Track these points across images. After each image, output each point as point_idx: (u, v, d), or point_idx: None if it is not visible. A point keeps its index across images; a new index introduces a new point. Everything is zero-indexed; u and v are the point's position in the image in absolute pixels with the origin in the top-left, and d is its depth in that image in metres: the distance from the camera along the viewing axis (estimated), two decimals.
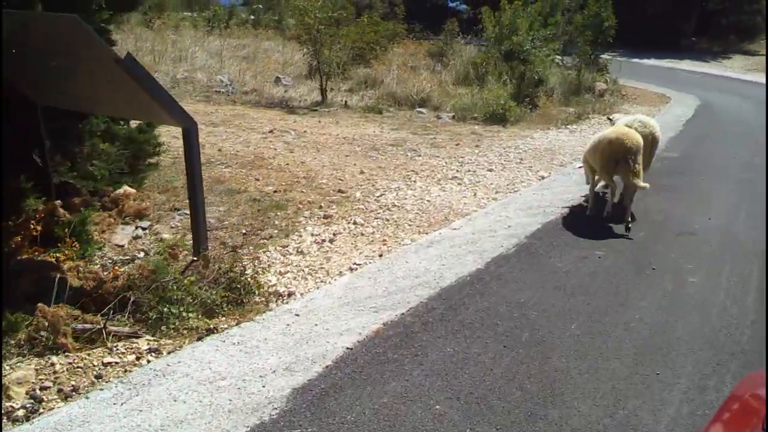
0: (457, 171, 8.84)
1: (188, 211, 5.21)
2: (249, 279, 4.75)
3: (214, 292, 4.49)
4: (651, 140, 7.15)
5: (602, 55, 20.97)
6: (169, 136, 8.61)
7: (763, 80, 23.88)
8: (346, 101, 13.81)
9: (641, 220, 6.97)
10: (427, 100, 14.12)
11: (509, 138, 11.42)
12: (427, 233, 6.26)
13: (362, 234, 6.21)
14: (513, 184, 8.34)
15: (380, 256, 5.61)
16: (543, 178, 8.75)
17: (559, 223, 6.72)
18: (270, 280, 5.01)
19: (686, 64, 27.70)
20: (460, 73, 16.80)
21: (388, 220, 6.65)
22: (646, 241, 6.28)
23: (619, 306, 4.71)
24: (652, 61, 28.33)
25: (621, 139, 6.45)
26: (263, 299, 4.69)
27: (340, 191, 7.67)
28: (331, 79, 16.04)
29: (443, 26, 20.18)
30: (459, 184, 8.22)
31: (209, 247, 5.14)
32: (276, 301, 4.68)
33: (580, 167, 8.32)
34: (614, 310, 4.65)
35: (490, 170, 9.01)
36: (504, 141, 11.11)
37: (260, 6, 35.34)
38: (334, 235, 6.13)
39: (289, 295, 4.77)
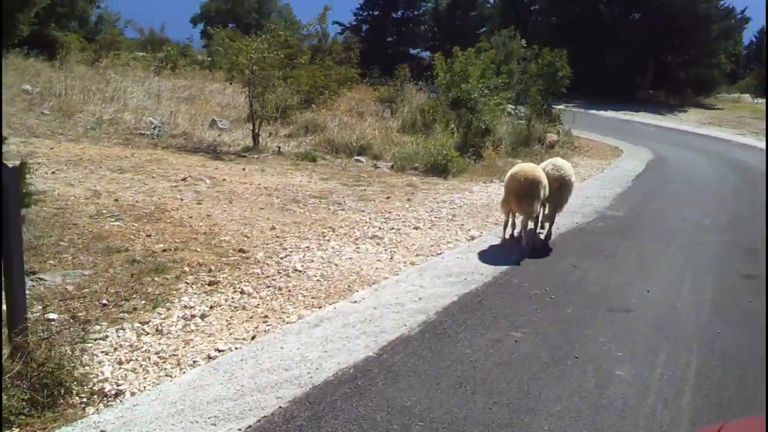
0: (380, 228, 8.01)
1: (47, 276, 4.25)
2: (67, 373, 3.78)
3: (14, 393, 3.52)
4: (561, 183, 7.53)
5: (556, 106, 20.64)
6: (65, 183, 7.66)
7: (718, 134, 23.83)
8: (279, 147, 13.00)
9: (574, 291, 6.18)
10: (367, 148, 13.38)
11: (446, 191, 10.67)
12: (320, 307, 5.36)
13: (244, 307, 5.28)
14: (438, 245, 7.52)
15: (253, 338, 4.69)
16: (473, 238, 7.96)
17: (478, 295, 5.88)
18: (102, 372, 4.04)
19: (642, 117, 27.62)
20: (407, 121, 16.16)
21: (281, 289, 5.74)
22: (573, 319, 5.46)
23: (526, 413, 3.84)
24: (609, 113, 28.23)
25: (519, 175, 7.10)
26: (83, 400, 3.73)
27: (241, 251, 6.77)
28: (270, 123, 15.28)
29: (394, 72, 19.63)
30: (378, 244, 7.38)
31: (33, 328, 4.16)
32: (98, 402, 3.72)
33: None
34: (519, 418, 3.78)
35: (417, 228, 8.20)
36: (440, 194, 10.34)
37: (219, 47, 34.75)
38: (210, 308, 5.20)
39: (117, 395, 3.80)
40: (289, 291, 5.70)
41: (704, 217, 10.06)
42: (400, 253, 7.07)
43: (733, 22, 32.12)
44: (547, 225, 7.90)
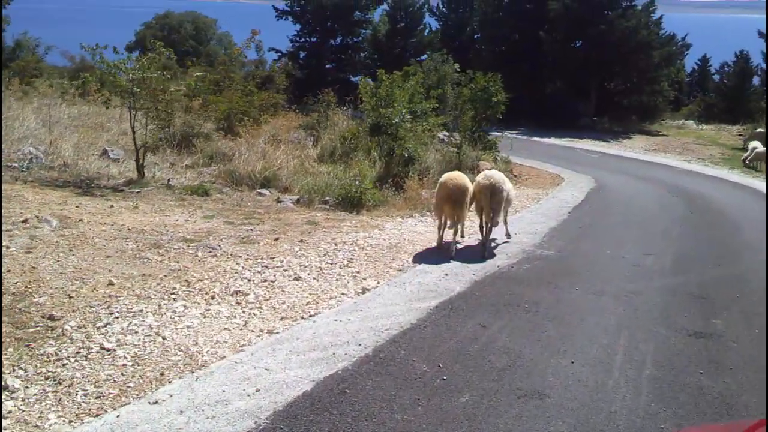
0: (249, 280, 6.42)
1: None
2: None
3: None
4: (491, 190, 8.17)
5: (496, 133, 19.49)
6: None
7: (663, 161, 22.99)
8: (169, 180, 11.32)
9: (475, 367, 4.70)
10: (273, 179, 11.81)
11: (353, 229, 9.15)
12: (99, 414, 3.74)
13: None
14: (317, 303, 5.97)
15: None
16: (365, 290, 6.43)
17: (344, 380, 4.35)
18: None
19: (587, 143, 26.73)
20: (326, 149, 14.67)
21: (60, 382, 4.11)
22: (465, 414, 3.96)
23: None
24: (552, 140, 27.28)
25: (448, 183, 7.95)
26: None
27: (50, 317, 5.13)
28: (166, 152, 13.64)
29: (318, 97, 18.18)
30: (237, 303, 5.79)
31: None
32: None
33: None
34: None
35: (298, 279, 6.64)
36: (343, 233, 8.81)
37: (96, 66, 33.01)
38: None
39: None
40: (70, 385, 4.07)
41: (646, 256, 8.75)
42: (260, 317, 5.49)
43: (675, 48, 31.68)
44: (492, 228, 8.50)
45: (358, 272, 7.05)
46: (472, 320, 5.72)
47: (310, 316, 5.57)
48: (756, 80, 38.98)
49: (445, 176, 8.26)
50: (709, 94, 40.13)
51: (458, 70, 21.14)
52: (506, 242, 9.02)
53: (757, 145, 21.69)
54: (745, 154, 21.87)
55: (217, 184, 11.69)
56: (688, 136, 29.41)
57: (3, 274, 5.99)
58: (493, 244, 8.74)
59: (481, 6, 34.69)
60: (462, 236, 8.67)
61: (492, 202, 8.16)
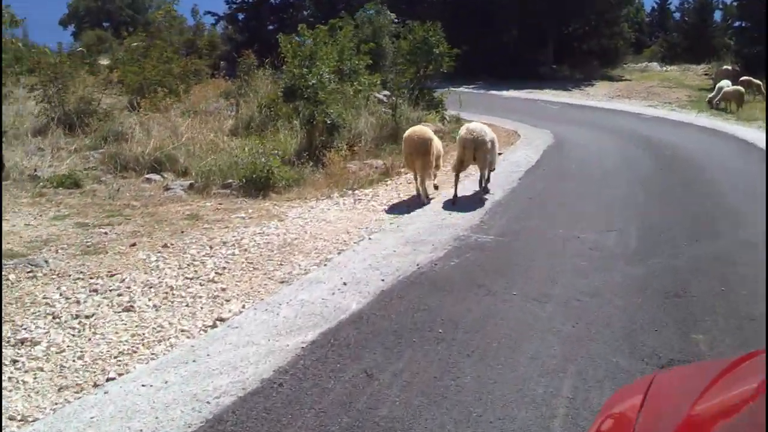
0: (56, 318, 4.61)
1: None
2: None
3: None
4: (475, 145, 8.21)
5: (454, 88, 17.68)
6: None
7: (627, 108, 21.38)
8: (36, 170, 9.35)
9: None
10: (168, 161, 9.90)
11: (244, 222, 7.33)
12: None
13: None
14: (134, 352, 4.18)
15: None
16: (218, 322, 4.65)
17: None
18: None
19: (547, 94, 25.02)
20: (241, 119, 12.72)
21: None
22: None
23: None
24: (511, 93, 25.53)
25: (411, 135, 8.37)
26: None
27: None
28: (56, 134, 11.65)
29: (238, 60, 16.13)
30: (12, 362, 3.98)
31: None
32: None
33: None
34: None
35: (129, 309, 4.83)
36: (229, 230, 6.99)
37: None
38: None
39: None
40: None
41: (606, 234, 7.08)
42: (27, 389, 3.69)
43: None
44: (484, 183, 8.88)
45: (223, 290, 5.27)
46: (356, 365, 3.99)
47: (108, 380, 3.78)
48: (717, 15, 37.43)
49: (409, 130, 8.62)
50: (671, 34, 38.47)
51: (396, 20, 19.11)
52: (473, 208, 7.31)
53: (724, 85, 20.14)
54: (711, 95, 20.32)
55: (100, 170, 9.77)
56: (653, 79, 27.78)
57: None
58: (422, 231, 7.03)
59: None
60: (432, 189, 9.01)
61: (477, 154, 8.25)
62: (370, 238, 6.86)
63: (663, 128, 16.50)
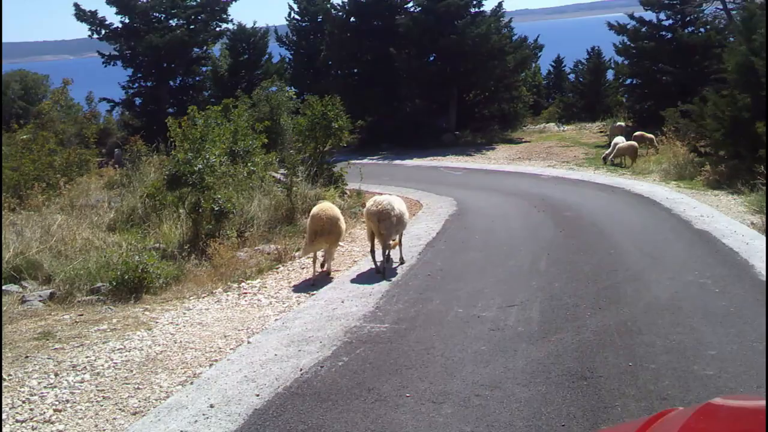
0: None
1: None
2: None
3: None
4: (378, 217, 8.25)
5: (357, 161, 17.29)
6: None
7: (528, 169, 21.58)
8: None
9: None
10: (30, 268, 8.86)
11: (101, 338, 6.41)
12: None
13: None
14: None
15: None
16: None
17: None
18: None
19: (450, 160, 25.10)
20: (122, 212, 11.82)
21: None
22: None
23: None
24: (415, 161, 25.47)
25: (318, 213, 8.29)
26: None
27: None
28: None
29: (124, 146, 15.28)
30: None
31: None
32: None
33: None
34: None
35: None
36: (83, 348, 6.07)
37: None
38: None
39: None
40: None
41: (508, 310, 6.59)
42: None
43: (528, 51, 30.76)
44: (391, 254, 8.81)
45: None
46: None
47: None
48: (610, 75, 39.26)
49: (316, 208, 8.59)
50: (567, 94, 40.03)
51: (296, 96, 18.80)
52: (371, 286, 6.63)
53: (618, 141, 20.69)
54: (607, 151, 20.83)
55: None
56: (551, 139, 28.46)
57: None
58: (310, 326, 6.33)
59: (327, 28, 32.69)
60: (329, 270, 8.81)
61: (381, 227, 8.26)
62: (249, 342, 6.11)
63: (563, 188, 16.58)
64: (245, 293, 7.97)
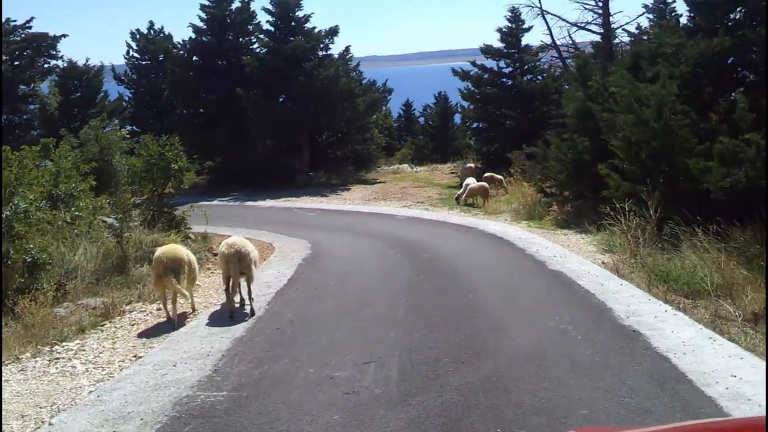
0: None
1: None
2: None
3: None
4: (238, 257, 8.17)
5: (208, 202, 16.05)
6: None
7: (384, 210, 21.34)
8: None
9: None
10: None
11: None
12: None
13: None
14: None
15: None
16: None
17: None
18: None
19: (305, 201, 24.41)
20: None
21: None
22: None
23: None
24: (268, 203, 24.53)
25: (160, 256, 8.01)
26: None
27: None
28: None
29: None
30: None
31: None
32: None
33: None
34: None
35: None
36: None
37: None
38: None
39: None
40: None
41: (364, 368, 5.90)
42: None
43: (378, 94, 30.96)
44: (248, 299, 8.41)
45: None
46: None
47: None
48: (457, 118, 40.60)
49: (159, 251, 8.31)
50: (418, 137, 40.88)
51: (128, 136, 17.38)
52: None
53: (470, 182, 21.01)
54: (459, 192, 21.07)
55: None
56: (405, 180, 28.64)
57: None
58: (132, 397, 5.27)
59: (169, 67, 31.19)
60: (193, 309, 8.71)
61: (242, 266, 8.22)
62: (51, 423, 4.97)
63: (419, 228, 16.37)
64: (57, 358, 6.73)
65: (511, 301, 8.43)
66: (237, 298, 8.50)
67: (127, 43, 35.82)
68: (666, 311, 7.51)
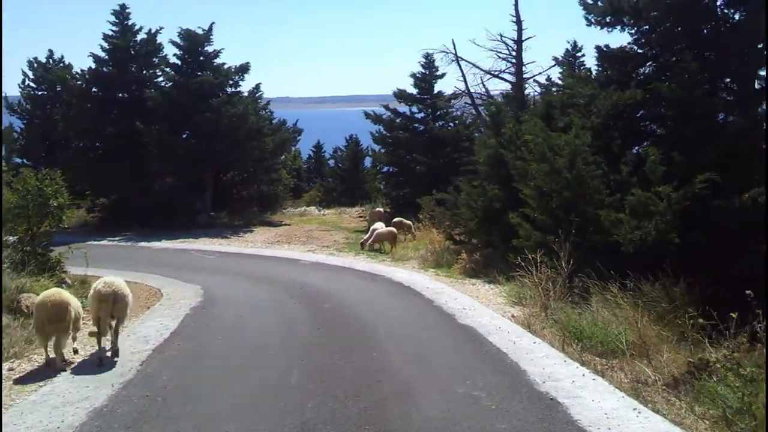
0: None
1: None
2: None
3: None
4: (115, 298, 7.88)
5: (92, 242, 14.56)
6: None
7: (287, 253, 20.28)
8: None
9: None
10: None
11: None
12: None
13: None
14: None
15: None
16: None
17: None
18: None
19: (204, 243, 23.02)
20: None
21: None
22: None
23: None
24: (163, 244, 22.98)
25: (44, 301, 7.69)
26: None
27: None
28: None
29: None
30: None
31: None
32: None
33: None
34: None
35: None
36: None
37: None
38: None
39: None
40: None
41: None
42: None
43: (287, 134, 30.05)
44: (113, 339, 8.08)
45: None
46: None
47: None
48: (368, 162, 40.26)
49: (42, 295, 8.08)
50: (327, 179, 40.23)
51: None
52: None
53: (378, 227, 20.38)
54: (365, 237, 20.38)
55: None
56: (312, 222, 27.77)
57: None
58: None
59: (65, 97, 29.29)
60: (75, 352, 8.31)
61: (115, 309, 7.97)
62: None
63: (323, 275, 15.48)
64: None
65: (419, 361, 7.66)
66: (107, 345, 8.06)
67: (23, 71, 33.56)
68: (584, 375, 6.94)
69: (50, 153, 30.63)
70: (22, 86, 33.98)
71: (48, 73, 33.07)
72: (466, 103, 28.34)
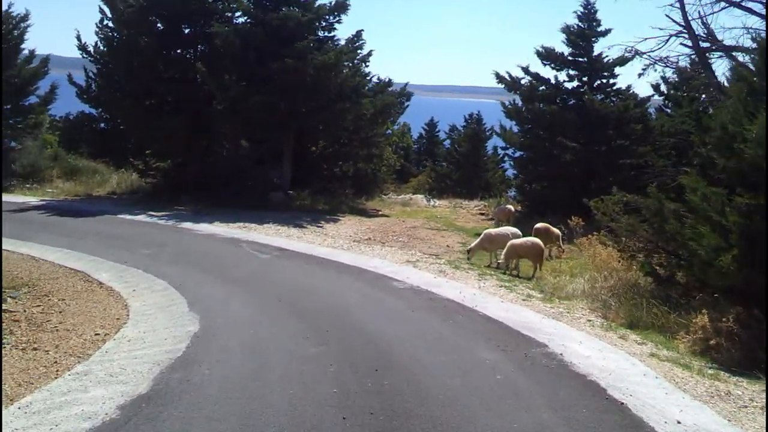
0: None
1: None
2: None
3: None
4: None
5: None
6: None
7: (372, 262, 13.52)
8: None
9: None
10: None
11: None
12: None
13: None
14: None
15: None
16: None
17: None
18: None
19: (267, 231, 16.67)
20: None
21: None
22: None
23: None
24: (213, 227, 16.85)
25: None
26: None
27: None
28: None
29: None
30: None
31: None
32: None
33: None
34: None
35: None
36: None
37: None
38: None
39: None
40: None
41: None
42: None
43: (392, 97, 22.80)
44: None
45: None
46: None
47: None
48: (490, 148, 32.83)
49: None
50: (441, 163, 33.16)
51: None
52: None
53: (503, 232, 13.48)
54: (474, 242, 13.44)
55: None
56: (417, 216, 20.83)
57: None
58: None
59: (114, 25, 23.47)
60: None
61: None
62: None
63: (421, 319, 8.64)
64: None
65: None
66: None
67: (99, 7, 28.28)
68: None
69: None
70: (100, 26, 28.93)
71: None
72: (677, 55, 19.08)
